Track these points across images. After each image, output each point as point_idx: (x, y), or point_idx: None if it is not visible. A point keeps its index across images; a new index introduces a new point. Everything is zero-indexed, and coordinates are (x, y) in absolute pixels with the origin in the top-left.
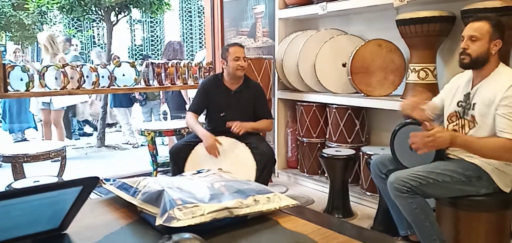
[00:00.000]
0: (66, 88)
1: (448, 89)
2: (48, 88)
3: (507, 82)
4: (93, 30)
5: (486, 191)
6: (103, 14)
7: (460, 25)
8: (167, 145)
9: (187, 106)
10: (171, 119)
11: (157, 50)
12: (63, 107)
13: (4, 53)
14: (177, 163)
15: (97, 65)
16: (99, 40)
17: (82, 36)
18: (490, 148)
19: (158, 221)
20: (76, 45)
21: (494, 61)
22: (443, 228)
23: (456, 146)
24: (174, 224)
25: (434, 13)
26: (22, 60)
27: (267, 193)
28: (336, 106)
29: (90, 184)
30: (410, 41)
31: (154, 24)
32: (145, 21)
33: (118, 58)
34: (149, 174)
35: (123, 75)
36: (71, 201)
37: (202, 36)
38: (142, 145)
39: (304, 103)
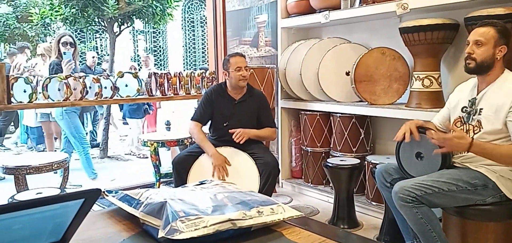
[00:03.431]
0: (69, 99)
1: (452, 98)
2: (51, 99)
3: None
4: (96, 41)
5: (493, 199)
6: (106, 25)
7: (464, 32)
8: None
9: None
10: None
11: (160, 60)
12: None
13: (8, 64)
14: (180, 174)
15: (100, 75)
16: (102, 51)
17: (85, 47)
18: (508, 155)
19: (161, 234)
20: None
21: (499, 67)
22: (449, 238)
23: (475, 151)
24: (177, 236)
25: (437, 21)
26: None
27: (271, 204)
28: (340, 115)
29: (92, 196)
30: (414, 49)
31: (157, 35)
32: (148, 31)
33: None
34: (152, 185)
35: (126, 85)
36: (73, 214)
37: (204, 46)
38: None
39: (308, 112)
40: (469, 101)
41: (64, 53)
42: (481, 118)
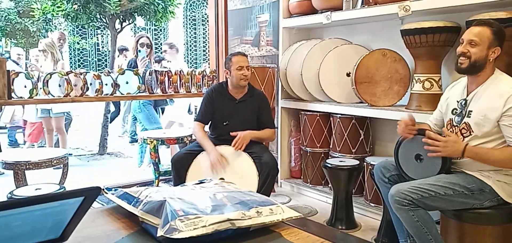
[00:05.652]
0: (70, 96)
1: (443, 100)
2: (52, 95)
3: (507, 91)
4: (97, 37)
5: (490, 203)
6: (107, 21)
7: None
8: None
9: None
10: None
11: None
12: (63, 113)
13: (9, 58)
14: (179, 172)
15: (101, 72)
16: (103, 47)
17: (86, 43)
18: (505, 158)
19: (160, 232)
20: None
21: (490, 68)
22: (447, 241)
23: (468, 156)
24: (176, 235)
25: (438, 24)
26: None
27: (270, 205)
28: (340, 115)
29: (92, 194)
30: (415, 51)
31: (158, 32)
32: (149, 28)
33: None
34: (151, 183)
35: (127, 82)
36: (73, 211)
37: (206, 44)
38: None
39: (308, 113)
40: (459, 102)
41: (139, 51)
42: (471, 121)
